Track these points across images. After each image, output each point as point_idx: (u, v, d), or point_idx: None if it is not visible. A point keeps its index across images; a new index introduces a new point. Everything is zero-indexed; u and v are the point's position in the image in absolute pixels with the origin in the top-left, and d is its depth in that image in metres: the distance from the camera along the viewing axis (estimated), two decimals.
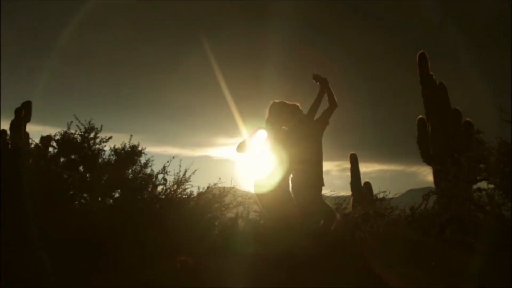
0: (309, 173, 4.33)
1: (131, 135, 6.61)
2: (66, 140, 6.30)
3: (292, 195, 4.40)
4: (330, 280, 3.64)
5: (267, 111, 4.58)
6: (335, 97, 4.52)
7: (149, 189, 5.80)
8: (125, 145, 6.51)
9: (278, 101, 4.58)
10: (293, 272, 3.78)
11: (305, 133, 4.40)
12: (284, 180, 4.40)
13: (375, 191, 7.40)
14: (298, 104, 4.59)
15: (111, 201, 5.80)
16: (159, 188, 5.89)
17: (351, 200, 8.00)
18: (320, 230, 4.33)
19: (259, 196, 4.52)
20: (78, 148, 6.27)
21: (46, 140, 6.91)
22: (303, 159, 4.33)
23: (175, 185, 5.85)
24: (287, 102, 4.59)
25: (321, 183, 4.40)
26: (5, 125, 11.03)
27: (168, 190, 5.82)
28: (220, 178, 6.10)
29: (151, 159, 6.41)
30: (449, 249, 4.26)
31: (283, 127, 4.54)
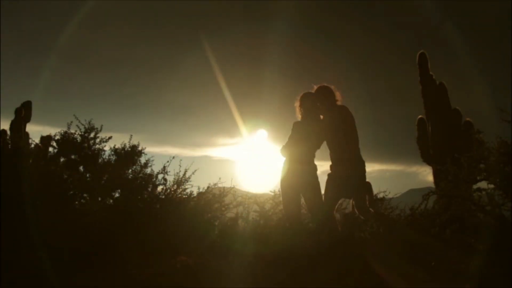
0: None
1: (131, 135, 6.62)
2: (66, 140, 6.31)
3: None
4: (330, 280, 3.64)
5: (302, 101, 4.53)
6: None
7: (149, 189, 5.80)
8: (125, 145, 6.51)
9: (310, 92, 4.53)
10: (293, 272, 3.78)
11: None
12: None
13: (375, 191, 7.40)
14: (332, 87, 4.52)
15: (111, 201, 5.80)
16: (159, 188, 5.90)
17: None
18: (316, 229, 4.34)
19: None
20: (78, 148, 6.28)
21: (46, 140, 6.91)
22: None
23: (175, 185, 5.86)
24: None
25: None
26: (5, 125, 11.02)
27: (168, 190, 5.83)
28: (220, 178, 6.11)
29: (151, 159, 6.42)
30: (449, 249, 4.25)
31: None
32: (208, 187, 6.05)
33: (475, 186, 4.63)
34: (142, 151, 6.56)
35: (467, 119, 11.51)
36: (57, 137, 6.39)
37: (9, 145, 5.94)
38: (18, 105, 11.89)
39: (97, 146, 6.38)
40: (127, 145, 6.50)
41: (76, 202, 5.68)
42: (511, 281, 3.29)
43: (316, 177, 4.46)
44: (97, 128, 6.41)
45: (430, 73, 12.16)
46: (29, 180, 5.09)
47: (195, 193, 6.00)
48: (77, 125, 6.32)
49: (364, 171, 4.39)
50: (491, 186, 4.39)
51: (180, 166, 5.96)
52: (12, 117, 11.56)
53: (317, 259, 3.97)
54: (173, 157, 6.09)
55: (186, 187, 5.93)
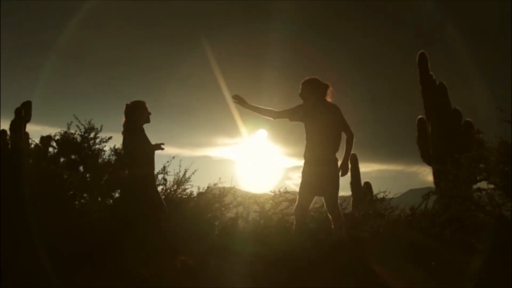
0: None
1: None
2: (66, 140, 6.30)
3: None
4: (330, 280, 3.63)
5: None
6: None
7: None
8: None
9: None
10: (293, 272, 3.78)
11: None
12: None
13: (375, 191, 7.42)
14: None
15: (111, 201, 5.80)
16: (159, 188, 5.90)
17: (351, 200, 8.01)
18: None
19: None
20: (78, 148, 6.27)
21: (46, 140, 6.91)
22: None
23: (175, 185, 5.86)
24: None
25: None
26: (5, 125, 11.01)
27: (168, 190, 5.83)
28: (220, 178, 6.12)
29: None
30: (449, 249, 4.26)
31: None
32: (208, 187, 6.06)
33: (475, 186, 4.64)
34: None
35: (467, 119, 11.52)
36: (57, 137, 6.39)
37: (9, 145, 5.93)
38: (18, 105, 11.88)
39: (97, 146, 6.37)
40: None
41: (76, 202, 5.68)
42: (511, 281, 3.29)
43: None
44: (97, 128, 6.41)
45: (430, 73, 12.16)
46: (29, 180, 5.09)
47: (195, 193, 6.01)
48: (77, 125, 6.32)
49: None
50: (491, 186, 4.39)
51: (180, 166, 5.95)
52: (12, 117, 11.56)
53: (317, 259, 3.97)
54: (173, 157, 6.10)
55: (186, 187, 5.94)
